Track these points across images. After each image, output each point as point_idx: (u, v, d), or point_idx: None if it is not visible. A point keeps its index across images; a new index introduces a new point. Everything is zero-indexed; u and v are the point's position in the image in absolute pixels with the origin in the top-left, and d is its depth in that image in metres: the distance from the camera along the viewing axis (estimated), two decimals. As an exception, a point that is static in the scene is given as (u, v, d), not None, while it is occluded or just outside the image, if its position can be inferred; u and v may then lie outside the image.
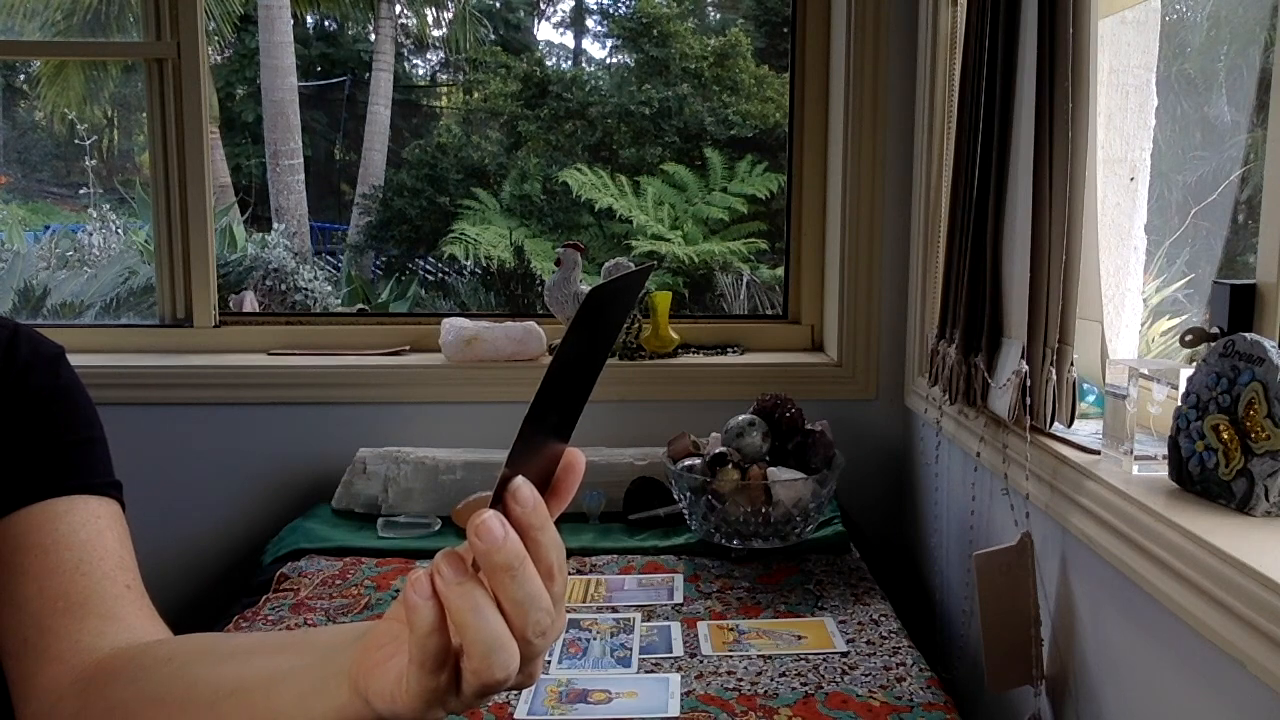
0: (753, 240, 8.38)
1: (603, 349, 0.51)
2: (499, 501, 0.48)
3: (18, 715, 0.72)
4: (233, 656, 0.63)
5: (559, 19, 12.22)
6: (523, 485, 0.47)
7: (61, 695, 0.69)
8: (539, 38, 12.21)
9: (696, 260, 8.18)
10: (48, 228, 8.45)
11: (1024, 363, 1.28)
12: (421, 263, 9.24)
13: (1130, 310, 1.48)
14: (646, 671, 1.29)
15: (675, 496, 1.71)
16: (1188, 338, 1.11)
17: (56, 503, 0.75)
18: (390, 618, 0.52)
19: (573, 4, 11.96)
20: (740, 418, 1.68)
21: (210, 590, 2.01)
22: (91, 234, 7.39)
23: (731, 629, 1.41)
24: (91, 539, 0.75)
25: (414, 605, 0.47)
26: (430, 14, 11.01)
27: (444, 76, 12.00)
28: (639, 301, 2.03)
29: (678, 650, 1.35)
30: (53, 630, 0.71)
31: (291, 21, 9.55)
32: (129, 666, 0.68)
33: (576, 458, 0.51)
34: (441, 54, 11.66)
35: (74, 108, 9.32)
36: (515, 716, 1.18)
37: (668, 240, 8.29)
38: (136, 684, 0.66)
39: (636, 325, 2.07)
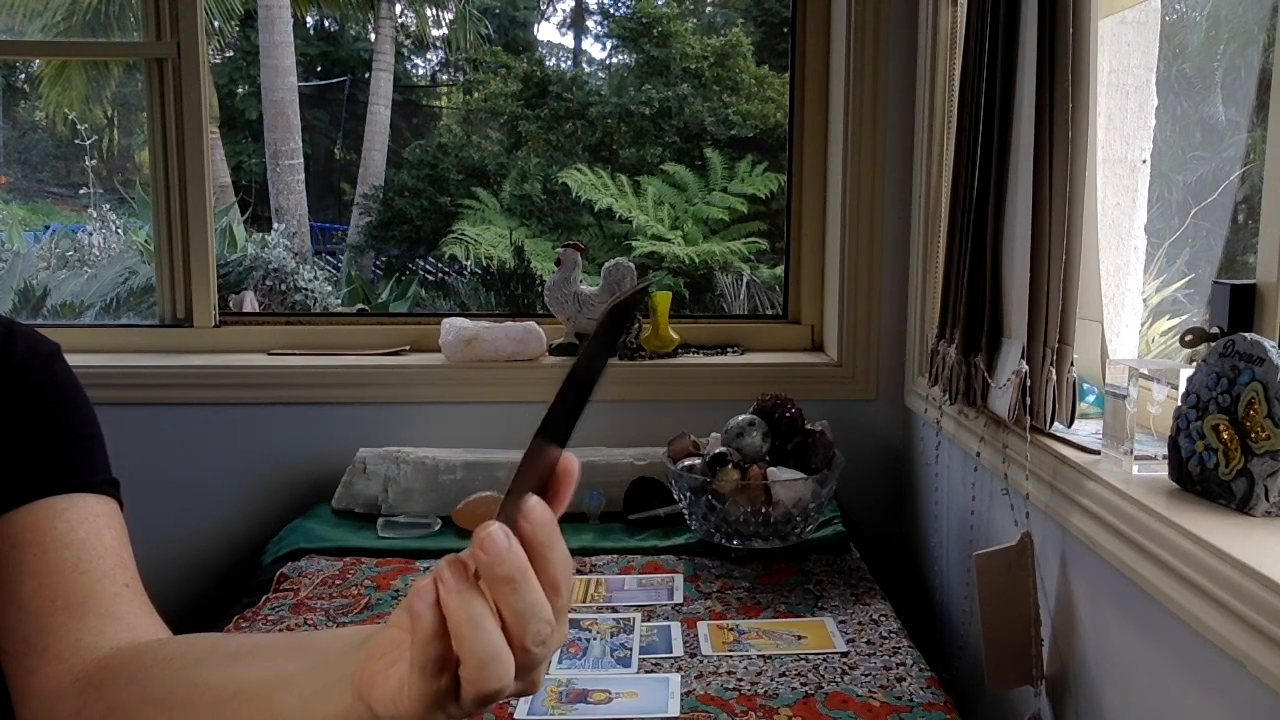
0: (753, 240, 8.38)
1: (606, 358, 0.51)
2: (504, 511, 0.48)
3: (17, 714, 0.72)
4: (235, 659, 0.63)
5: (559, 19, 12.23)
6: (536, 505, 0.48)
7: (61, 694, 0.69)
8: (539, 38, 12.22)
9: (696, 260, 8.18)
10: (48, 228, 8.45)
11: (1024, 363, 1.28)
12: (421, 263, 9.25)
13: (1130, 310, 1.48)
14: (646, 671, 1.29)
15: (675, 496, 1.71)
16: (1188, 338, 1.11)
17: (55, 501, 0.75)
18: (393, 625, 0.52)
19: (573, 4, 11.97)
20: (740, 418, 1.68)
21: (210, 590, 2.00)
22: (91, 234, 7.40)
23: (731, 629, 1.41)
24: (90, 537, 0.75)
25: (418, 612, 0.47)
26: (430, 14, 11.01)
27: (444, 76, 12.00)
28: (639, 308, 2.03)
29: (678, 650, 1.35)
30: (51, 629, 0.71)
31: (291, 21, 9.56)
32: (129, 666, 0.68)
33: (571, 463, 0.51)
34: (441, 54, 11.66)
35: (75, 108, 9.33)
36: (515, 717, 1.18)
37: (668, 240, 8.29)
38: (137, 684, 0.66)
39: (637, 325, 2.06)
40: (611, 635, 1.39)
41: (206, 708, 0.61)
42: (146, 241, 6.55)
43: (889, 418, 2.05)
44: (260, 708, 0.58)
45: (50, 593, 0.72)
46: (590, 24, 12.04)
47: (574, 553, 1.67)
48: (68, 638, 0.71)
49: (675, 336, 2.08)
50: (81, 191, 9.50)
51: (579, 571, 1.62)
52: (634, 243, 8.24)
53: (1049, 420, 1.25)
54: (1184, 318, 2.07)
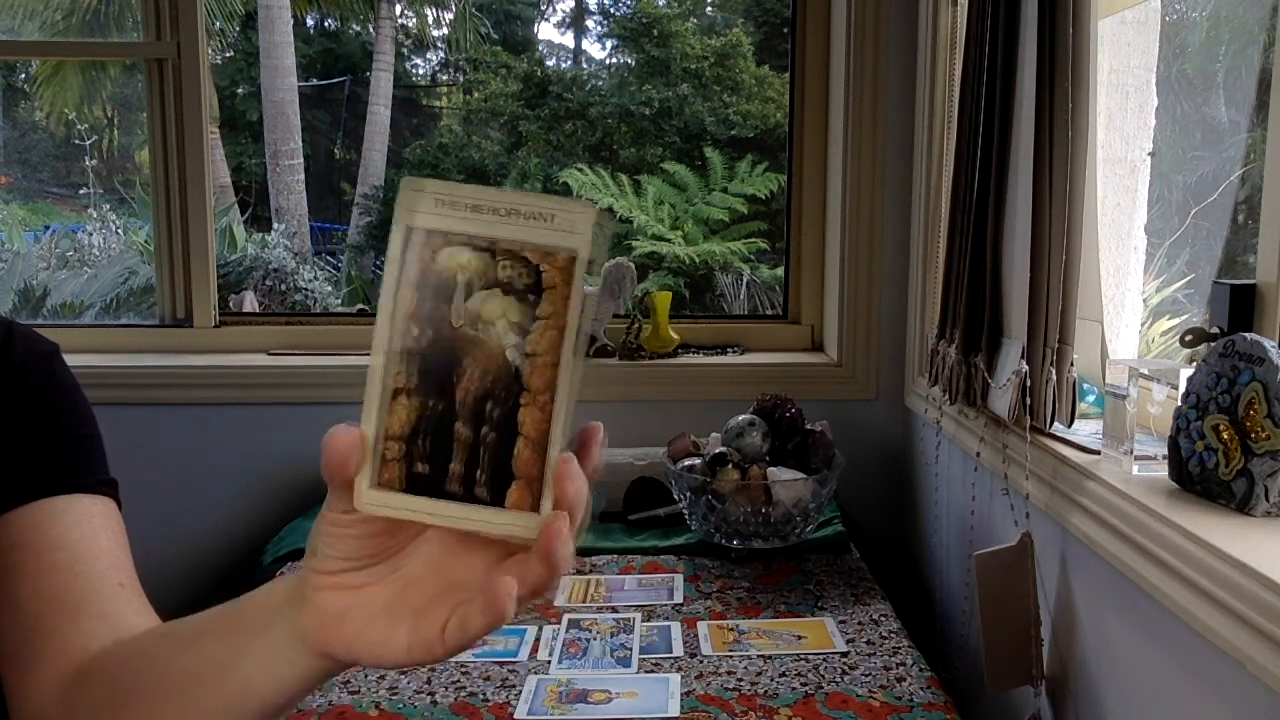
0: (753, 240, 8.38)
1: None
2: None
3: (13, 718, 0.72)
4: (185, 646, 0.63)
5: (559, 19, 12.23)
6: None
7: (50, 698, 0.69)
8: (539, 37, 12.22)
9: (697, 260, 8.18)
10: (48, 228, 8.46)
11: (1024, 363, 1.28)
12: (422, 263, 9.22)
13: (1130, 310, 1.48)
14: (646, 671, 1.29)
15: (675, 496, 1.71)
16: (1188, 338, 1.11)
17: (52, 502, 0.75)
18: (328, 585, 0.53)
19: (573, 4, 11.97)
20: (740, 418, 1.68)
21: (210, 590, 2.00)
22: (91, 234, 7.40)
23: (731, 629, 1.41)
24: (86, 538, 0.75)
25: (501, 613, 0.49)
26: (430, 14, 11.01)
27: (444, 76, 12.01)
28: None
29: (678, 650, 1.35)
30: (45, 631, 0.71)
31: (292, 21, 9.56)
32: (106, 666, 0.68)
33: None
34: (441, 54, 11.67)
35: (71, 108, 9.33)
36: (515, 717, 1.18)
37: (668, 240, 8.29)
38: (110, 683, 0.66)
39: (636, 325, 2.06)
40: (611, 635, 1.39)
41: (176, 694, 0.61)
42: (146, 241, 6.56)
43: (889, 418, 2.05)
44: (226, 687, 0.58)
45: (45, 594, 0.72)
46: (590, 24, 12.05)
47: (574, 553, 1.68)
48: (60, 639, 0.70)
49: (675, 336, 2.08)
50: (81, 191, 9.50)
51: (579, 571, 1.62)
52: (634, 243, 8.24)
53: (1049, 420, 1.25)
54: (1184, 318, 2.07)
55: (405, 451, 0.49)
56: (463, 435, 0.48)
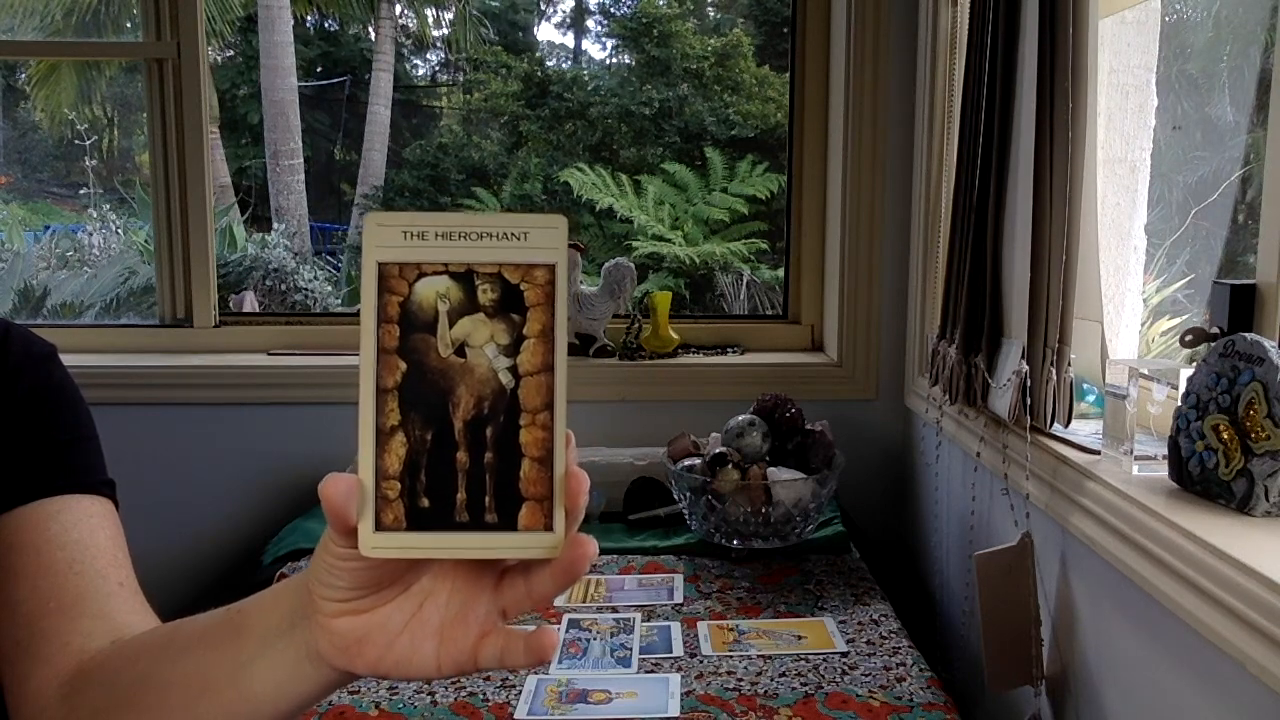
0: (753, 240, 8.39)
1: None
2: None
3: (13, 718, 0.72)
4: (188, 651, 0.63)
5: (559, 19, 12.23)
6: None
7: (50, 699, 0.69)
8: (539, 38, 12.22)
9: (697, 261, 8.18)
10: (48, 228, 8.46)
11: (1024, 363, 1.28)
12: (422, 263, 9.22)
13: (1130, 310, 1.48)
14: (646, 671, 1.29)
15: (675, 496, 1.71)
16: (1188, 338, 1.11)
17: (49, 503, 0.75)
18: (335, 612, 0.53)
19: (573, 4, 11.97)
20: (740, 418, 1.68)
21: (210, 590, 2.00)
22: (91, 234, 7.41)
23: (731, 629, 1.41)
24: (84, 538, 0.75)
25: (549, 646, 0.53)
26: (430, 14, 11.02)
27: (444, 77, 12.01)
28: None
29: (678, 650, 1.35)
30: (43, 631, 0.71)
31: (292, 22, 9.56)
32: (104, 668, 0.68)
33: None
34: (442, 54, 11.67)
35: (68, 108, 9.33)
36: (515, 717, 1.18)
37: (668, 240, 8.29)
38: (110, 686, 0.66)
39: (636, 325, 2.06)
40: (611, 635, 1.39)
41: (180, 708, 0.61)
42: (146, 241, 6.56)
43: (889, 418, 2.05)
44: (233, 698, 0.58)
45: (43, 594, 0.72)
46: (590, 24, 12.05)
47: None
48: (58, 639, 0.70)
49: (675, 336, 2.08)
50: (81, 191, 9.50)
51: (579, 571, 1.62)
52: (634, 243, 8.25)
53: (1049, 420, 1.25)
54: (1184, 318, 2.07)
55: (406, 489, 0.49)
56: (464, 463, 0.49)
